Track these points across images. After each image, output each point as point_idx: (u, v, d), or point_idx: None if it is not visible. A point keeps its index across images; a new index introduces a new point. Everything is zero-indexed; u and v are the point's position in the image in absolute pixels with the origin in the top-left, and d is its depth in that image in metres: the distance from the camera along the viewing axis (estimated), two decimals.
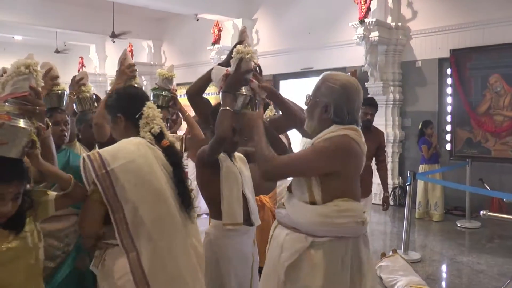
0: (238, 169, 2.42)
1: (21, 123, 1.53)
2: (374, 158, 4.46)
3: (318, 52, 9.13)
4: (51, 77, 2.87)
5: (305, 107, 2.09)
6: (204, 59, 11.19)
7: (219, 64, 2.46)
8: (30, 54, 1.74)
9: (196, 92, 2.58)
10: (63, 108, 2.64)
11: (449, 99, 7.60)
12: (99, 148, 2.18)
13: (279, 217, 2.06)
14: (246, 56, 2.22)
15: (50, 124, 1.95)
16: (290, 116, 2.31)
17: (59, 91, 2.68)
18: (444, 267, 4.92)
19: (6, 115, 1.50)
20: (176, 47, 12.80)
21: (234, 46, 2.30)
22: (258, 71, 2.55)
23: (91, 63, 14.94)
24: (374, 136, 4.37)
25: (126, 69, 2.62)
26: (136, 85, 2.65)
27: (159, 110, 1.99)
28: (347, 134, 1.90)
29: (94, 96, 3.20)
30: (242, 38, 2.73)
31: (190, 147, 2.98)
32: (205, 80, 2.60)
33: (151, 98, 3.21)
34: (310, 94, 2.03)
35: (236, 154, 2.49)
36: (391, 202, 7.82)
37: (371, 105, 4.47)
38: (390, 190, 7.86)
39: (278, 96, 2.36)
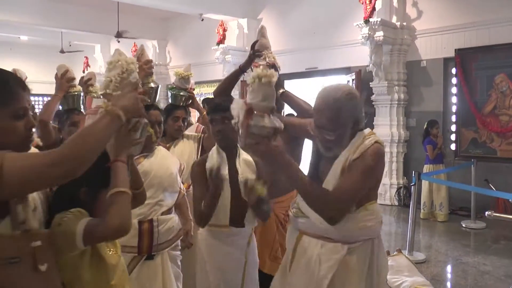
0: (240, 171, 2.36)
1: (143, 120, 1.53)
2: None
3: (322, 52, 9.12)
4: (67, 79, 2.89)
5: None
6: (209, 59, 11.21)
7: (240, 67, 2.55)
8: (117, 49, 1.69)
9: (221, 93, 2.62)
10: (79, 110, 2.65)
11: (454, 99, 7.57)
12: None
13: (302, 227, 1.98)
14: (263, 79, 1.75)
15: None
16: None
17: (75, 93, 2.69)
18: (449, 268, 4.90)
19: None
20: (181, 47, 12.82)
21: (253, 45, 2.27)
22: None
23: (96, 63, 14.97)
24: None
25: (144, 65, 2.60)
26: (152, 82, 2.64)
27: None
28: (376, 140, 1.89)
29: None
30: (259, 38, 2.73)
31: (208, 148, 2.95)
32: (230, 82, 2.63)
33: (169, 97, 3.22)
34: (327, 129, 1.83)
35: (243, 156, 2.43)
36: (396, 202, 7.82)
37: None
38: (394, 190, 7.87)
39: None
